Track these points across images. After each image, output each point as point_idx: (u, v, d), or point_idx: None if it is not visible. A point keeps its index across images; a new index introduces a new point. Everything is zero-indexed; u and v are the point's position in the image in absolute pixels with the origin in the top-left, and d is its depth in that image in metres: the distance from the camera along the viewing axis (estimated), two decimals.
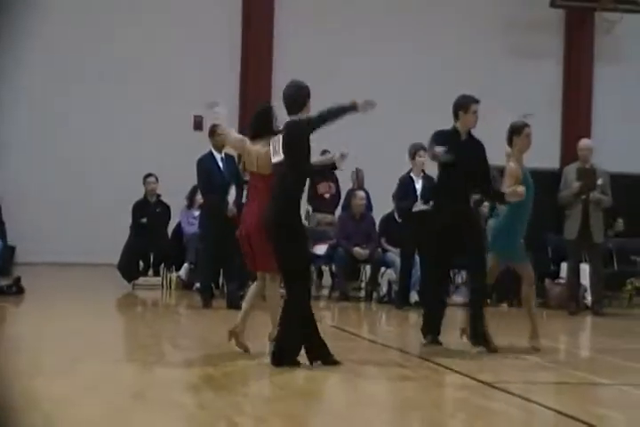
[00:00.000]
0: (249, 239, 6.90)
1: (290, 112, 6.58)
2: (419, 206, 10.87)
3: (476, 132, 7.82)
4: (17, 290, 10.65)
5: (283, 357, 6.32)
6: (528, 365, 6.98)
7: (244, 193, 10.50)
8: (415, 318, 10.34)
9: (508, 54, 17.22)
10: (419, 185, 11.01)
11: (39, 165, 15.16)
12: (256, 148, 6.97)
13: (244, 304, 7.08)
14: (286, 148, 6.44)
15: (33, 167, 15.11)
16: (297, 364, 6.35)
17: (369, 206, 12.63)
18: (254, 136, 7.03)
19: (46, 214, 14.91)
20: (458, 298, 11.79)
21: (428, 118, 16.33)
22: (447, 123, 17.54)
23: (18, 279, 10.83)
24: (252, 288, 7.15)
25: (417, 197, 10.95)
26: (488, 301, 11.58)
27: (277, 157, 6.53)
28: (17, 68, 14.22)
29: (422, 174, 11.06)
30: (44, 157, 15.17)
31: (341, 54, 16.46)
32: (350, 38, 16.51)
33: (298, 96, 6.58)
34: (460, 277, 12.16)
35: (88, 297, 11.20)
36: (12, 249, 13.51)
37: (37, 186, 14.96)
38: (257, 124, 7.06)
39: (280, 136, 6.53)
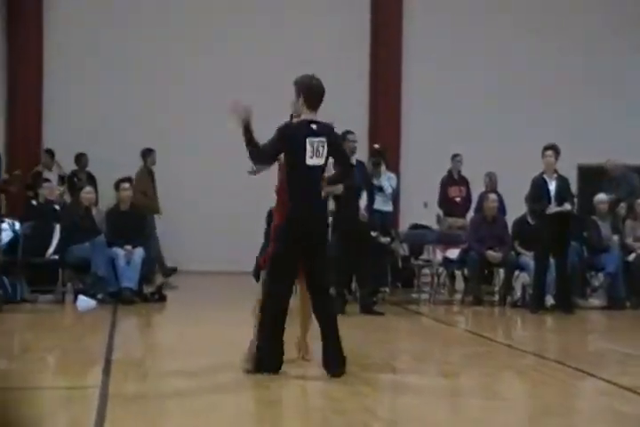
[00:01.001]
0: None
1: (314, 107, 6.24)
2: (553, 208, 10.68)
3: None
4: (159, 297, 11.03)
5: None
6: None
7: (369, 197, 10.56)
8: (551, 322, 10.19)
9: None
10: (552, 186, 10.79)
11: (181, 176, 15.53)
12: None
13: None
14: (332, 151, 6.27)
15: (176, 179, 15.52)
16: None
17: (502, 209, 12.49)
18: None
19: (188, 224, 15.31)
20: (595, 301, 11.54)
21: (560, 117, 16.18)
22: (578, 120, 17.11)
23: (160, 287, 11.22)
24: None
25: (550, 198, 10.74)
26: (627, 304, 11.32)
27: (318, 160, 6.21)
28: None
29: (556, 175, 10.84)
30: (186, 168, 15.53)
31: (469, 56, 16.30)
32: (476, 39, 16.31)
33: (324, 93, 6.30)
34: (597, 279, 11.88)
35: (227, 305, 11.50)
36: (160, 258, 13.97)
37: (179, 196, 15.36)
38: None
39: (324, 140, 6.19)
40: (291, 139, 6.19)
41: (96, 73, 15.38)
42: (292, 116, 6.63)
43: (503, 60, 16.35)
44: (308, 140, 6.15)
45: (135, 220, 11.35)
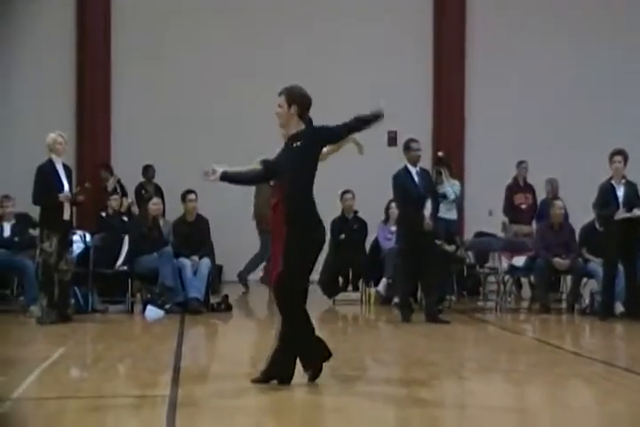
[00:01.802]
0: None
1: (304, 117, 6.30)
2: (621, 214, 10.53)
3: None
4: (225, 307, 11.16)
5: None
6: None
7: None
8: (620, 329, 10.04)
9: None
10: (620, 192, 10.64)
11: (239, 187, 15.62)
12: None
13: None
14: None
15: (234, 188, 15.62)
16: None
17: (565, 215, 12.35)
18: None
19: (250, 234, 15.39)
20: None
21: (625, 122, 15.89)
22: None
23: (226, 297, 11.35)
24: None
25: (619, 204, 10.59)
26: None
27: None
28: None
29: (624, 180, 10.68)
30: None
31: (535, 60, 16.12)
32: (541, 43, 16.12)
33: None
34: None
35: None
36: (220, 268, 14.14)
37: (241, 207, 15.48)
38: None
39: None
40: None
41: (163, 86, 15.60)
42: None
43: (567, 61, 16.13)
44: None
45: (201, 230, 11.50)
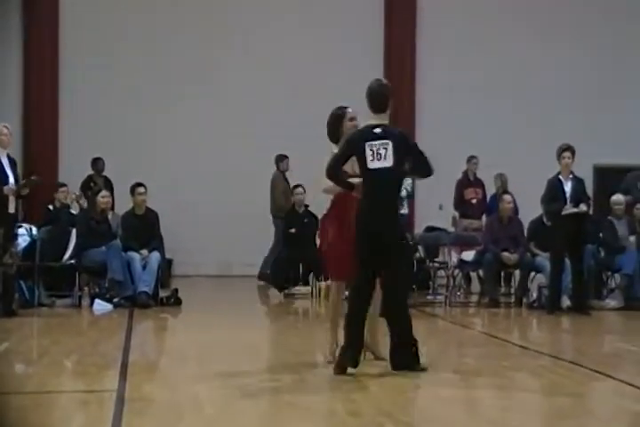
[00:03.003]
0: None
1: (380, 111, 6.44)
2: (568, 209, 10.65)
3: None
4: (175, 301, 11.07)
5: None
6: None
7: None
8: (567, 323, 10.16)
9: None
10: (568, 187, 10.76)
11: (195, 180, 15.54)
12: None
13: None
14: (405, 154, 6.41)
15: (187, 182, 15.54)
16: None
17: (515, 209, 12.46)
18: (336, 142, 6.82)
19: (200, 228, 15.31)
20: (611, 302, 11.48)
21: (574, 118, 16.10)
22: (593, 120, 16.81)
23: (175, 291, 11.25)
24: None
25: (566, 199, 10.71)
26: None
27: (383, 163, 6.30)
28: None
29: (571, 176, 10.81)
30: (200, 172, 15.55)
31: (482, 56, 16.25)
32: (490, 37, 16.27)
33: (389, 96, 6.48)
34: (614, 280, 11.83)
35: (241, 307, 11.53)
36: (170, 262, 14.02)
37: (192, 201, 15.38)
38: (333, 128, 6.82)
39: (388, 142, 6.30)
40: (351, 144, 6.43)
41: (114, 76, 15.44)
42: None
43: (517, 59, 16.30)
44: (367, 144, 6.32)
45: (150, 224, 11.38)
